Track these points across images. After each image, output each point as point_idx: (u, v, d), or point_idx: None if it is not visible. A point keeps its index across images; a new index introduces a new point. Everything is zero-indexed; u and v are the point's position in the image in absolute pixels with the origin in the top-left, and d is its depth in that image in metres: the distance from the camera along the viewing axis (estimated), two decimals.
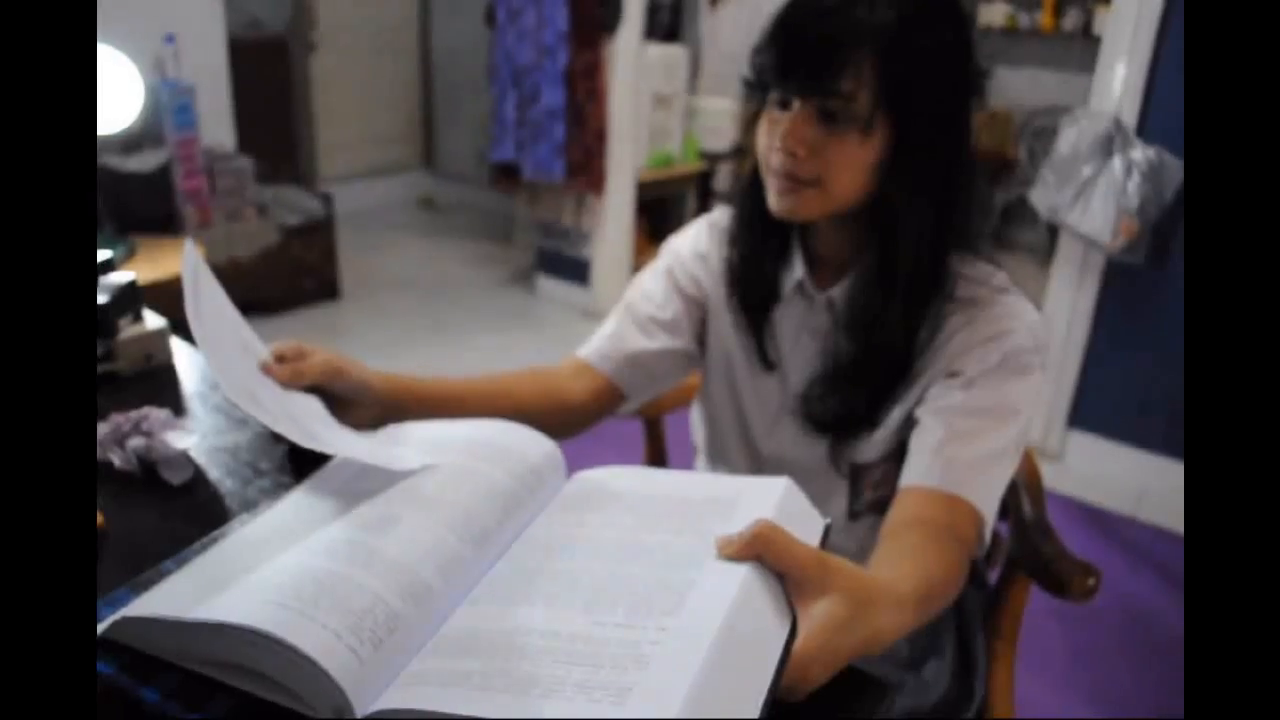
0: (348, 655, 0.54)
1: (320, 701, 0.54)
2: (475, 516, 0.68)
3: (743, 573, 0.59)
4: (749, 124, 0.99)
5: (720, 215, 1.13)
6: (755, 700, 0.52)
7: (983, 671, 1.08)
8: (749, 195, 1.03)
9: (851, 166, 0.91)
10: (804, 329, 1.04)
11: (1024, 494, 1.09)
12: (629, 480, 0.76)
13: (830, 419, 1.00)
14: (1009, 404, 0.92)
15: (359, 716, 0.53)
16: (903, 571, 0.77)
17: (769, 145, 0.94)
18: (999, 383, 0.93)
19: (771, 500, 0.68)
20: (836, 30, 0.87)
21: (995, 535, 1.14)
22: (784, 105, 0.92)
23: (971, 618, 1.10)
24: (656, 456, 1.43)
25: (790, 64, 0.90)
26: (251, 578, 0.61)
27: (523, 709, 0.50)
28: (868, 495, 1.04)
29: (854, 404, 0.98)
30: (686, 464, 1.23)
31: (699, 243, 1.13)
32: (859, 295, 0.97)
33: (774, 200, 0.95)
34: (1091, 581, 0.99)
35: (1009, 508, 1.09)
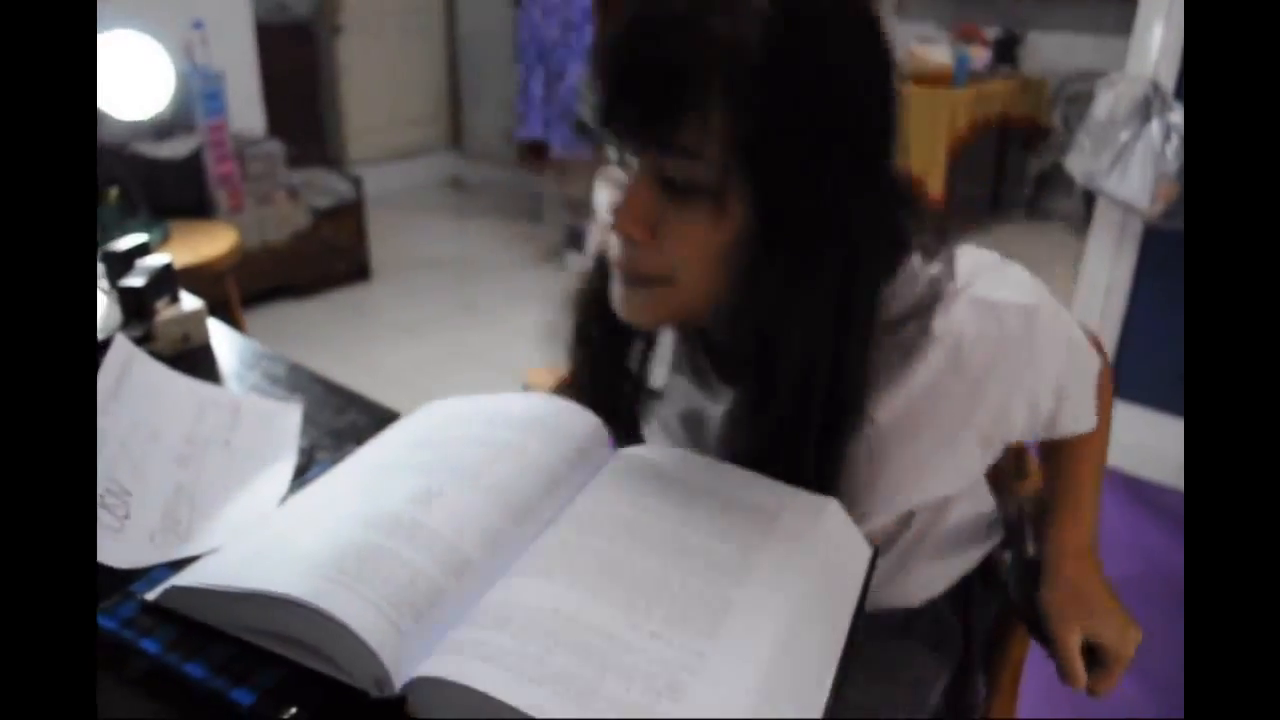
0: (388, 627, 0.55)
1: (360, 671, 0.55)
2: (517, 490, 0.68)
3: (782, 606, 0.59)
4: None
5: None
6: None
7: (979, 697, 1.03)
8: (595, 285, 0.81)
9: (703, 253, 0.66)
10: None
11: (1028, 528, 0.97)
12: (675, 465, 0.74)
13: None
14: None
15: (399, 686, 0.54)
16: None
17: (607, 223, 0.71)
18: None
19: (814, 521, 0.67)
20: (677, 53, 0.62)
21: (997, 562, 1.03)
22: (624, 164, 0.69)
23: (975, 635, 1.03)
24: None
25: (617, 105, 0.65)
26: (297, 548, 0.61)
27: (554, 709, 0.50)
28: None
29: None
30: None
31: None
32: (741, 424, 0.74)
33: (617, 302, 0.73)
34: None
35: (1010, 540, 0.98)
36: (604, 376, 0.84)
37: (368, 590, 0.56)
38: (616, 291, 0.73)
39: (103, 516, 0.73)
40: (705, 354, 0.83)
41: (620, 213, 0.67)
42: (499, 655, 0.54)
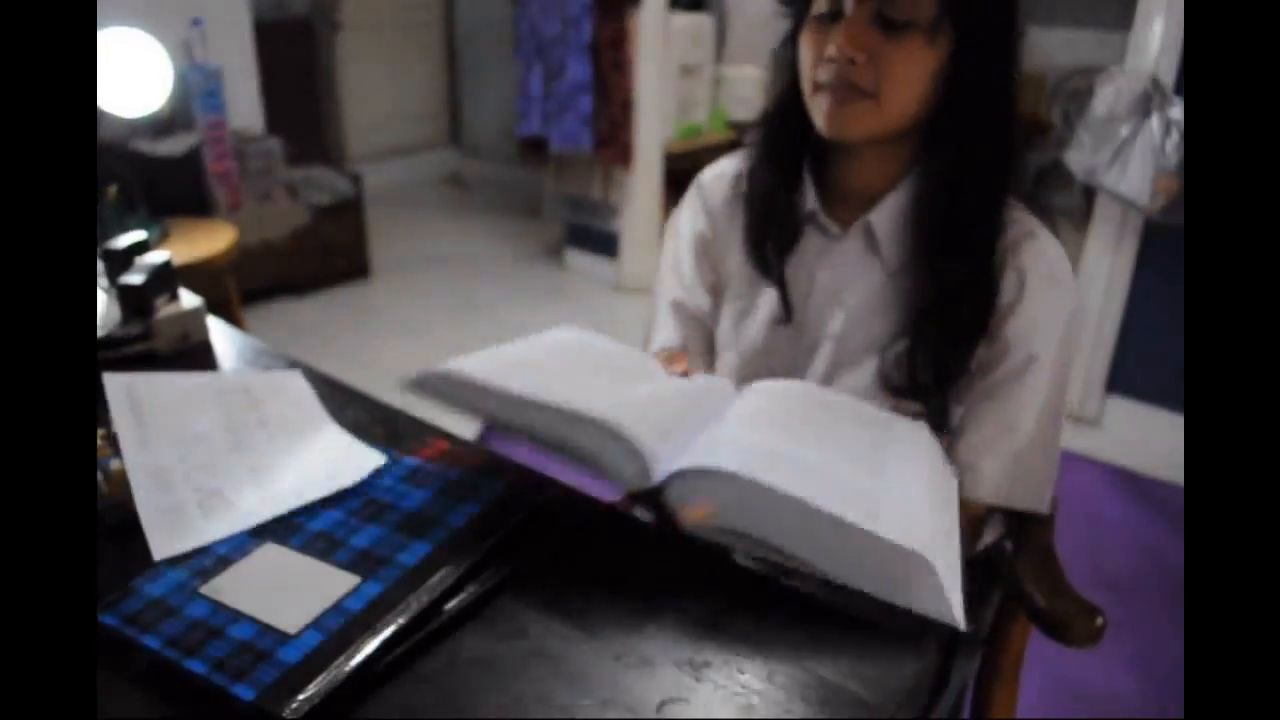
0: (649, 435, 0.68)
1: (627, 469, 0.67)
2: (685, 391, 0.80)
3: (920, 471, 0.74)
4: (784, 44, 0.93)
5: (711, 173, 1.08)
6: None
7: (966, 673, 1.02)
8: (779, 124, 0.97)
9: (913, 76, 0.85)
10: (826, 270, 0.97)
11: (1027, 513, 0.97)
12: (801, 387, 0.87)
13: (916, 384, 0.91)
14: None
15: (655, 482, 0.67)
16: None
17: (816, 59, 0.87)
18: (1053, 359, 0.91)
19: (921, 431, 0.82)
20: None
21: (1000, 551, 1.07)
22: (834, 16, 0.86)
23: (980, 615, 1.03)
24: None
25: None
26: (561, 380, 0.76)
27: (793, 489, 0.63)
28: None
29: (945, 361, 0.90)
30: None
31: (697, 221, 1.08)
32: (923, 200, 0.91)
33: (824, 118, 0.88)
34: (1099, 622, 0.88)
35: (1013, 529, 1.00)
36: (778, 194, 0.98)
37: (626, 413, 0.69)
38: (824, 111, 0.88)
39: (212, 515, 0.77)
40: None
41: (844, 39, 0.84)
42: (737, 454, 0.67)
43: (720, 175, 1.07)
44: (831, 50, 0.85)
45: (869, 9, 0.84)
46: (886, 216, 0.93)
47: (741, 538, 0.67)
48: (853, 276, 0.96)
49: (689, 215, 1.09)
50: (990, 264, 0.89)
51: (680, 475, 0.67)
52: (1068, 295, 0.91)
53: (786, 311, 0.99)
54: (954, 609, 0.62)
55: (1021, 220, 0.92)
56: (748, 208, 1.01)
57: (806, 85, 0.90)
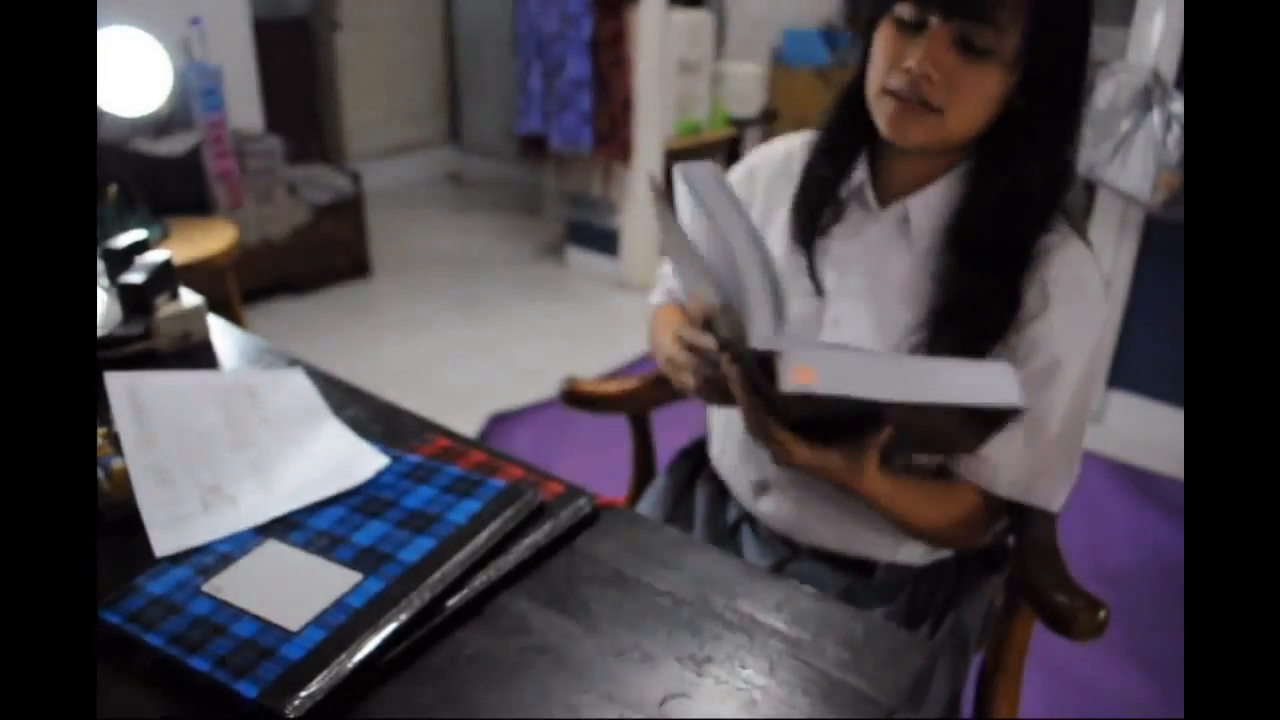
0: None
1: (768, 324, 0.75)
2: None
3: None
4: (862, 31, 0.94)
5: (763, 150, 1.11)
6: None
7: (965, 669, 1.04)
8: (842, 109, 0.98)
9: (983, 100, 0.86)
10: (857, 240, 0.98)
11: (1035, 509, 0.98)
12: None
13: None
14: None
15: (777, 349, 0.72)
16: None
17: (890, 64, 0.87)
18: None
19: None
20: None
21: (1004, 550, 1.10)
22: (916, 27, 0.85)
23: (969, 608, 1.05)
24: (643, 453, 1.38)
25: None
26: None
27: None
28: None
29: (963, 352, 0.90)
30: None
31: (739, 177, 1.10)
32: (966, 209, 0.91)
33: (887, 124, 0.89)
34: (1102, 615, 0.87)
35: (1016, 523, 1.00)
36: (831, 171, 1.00)
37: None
38: (889, 116, 0.89)
39: (214, 512, 0.77)
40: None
41: (924, 57, 0.84)
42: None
43: (771, 154, 1.10)
44: (910, 63, 0.85)
45: (952, 30, 0.83)
46: (924, 205, 0.94)
47: (825, 399, 0.72)
48: (880, 254, 0.97)
49: (735, 173, 1.11)
50: (1018, 278, 0.90)
51: (795, 345, 0.72)
52: (1094, 304, 0.91)
53: (815, 285, 0.99)
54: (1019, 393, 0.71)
55: (1055, 228, 0.91)
56: (800, 181, 1.02)
57: (874, 85, 0.90)
